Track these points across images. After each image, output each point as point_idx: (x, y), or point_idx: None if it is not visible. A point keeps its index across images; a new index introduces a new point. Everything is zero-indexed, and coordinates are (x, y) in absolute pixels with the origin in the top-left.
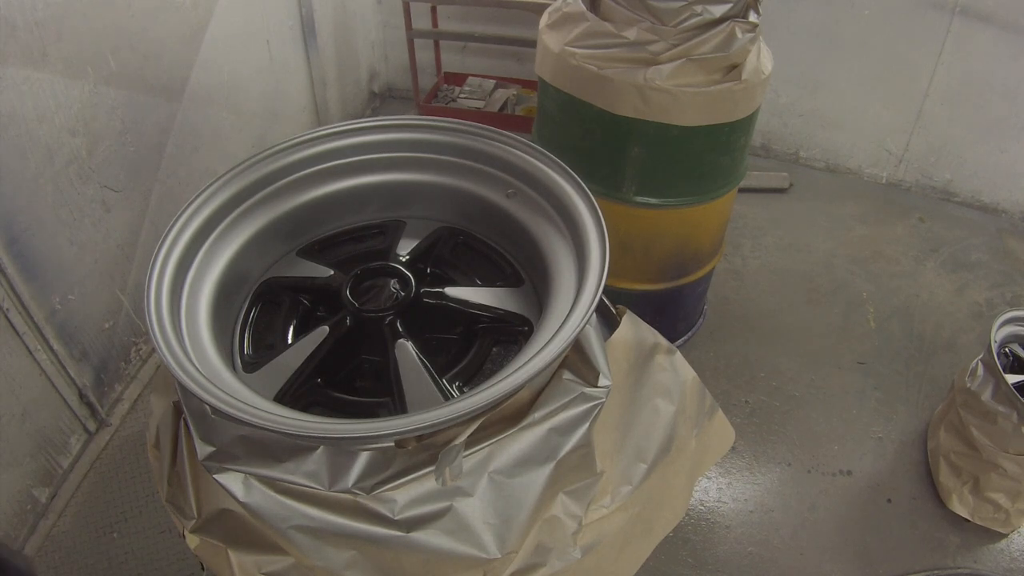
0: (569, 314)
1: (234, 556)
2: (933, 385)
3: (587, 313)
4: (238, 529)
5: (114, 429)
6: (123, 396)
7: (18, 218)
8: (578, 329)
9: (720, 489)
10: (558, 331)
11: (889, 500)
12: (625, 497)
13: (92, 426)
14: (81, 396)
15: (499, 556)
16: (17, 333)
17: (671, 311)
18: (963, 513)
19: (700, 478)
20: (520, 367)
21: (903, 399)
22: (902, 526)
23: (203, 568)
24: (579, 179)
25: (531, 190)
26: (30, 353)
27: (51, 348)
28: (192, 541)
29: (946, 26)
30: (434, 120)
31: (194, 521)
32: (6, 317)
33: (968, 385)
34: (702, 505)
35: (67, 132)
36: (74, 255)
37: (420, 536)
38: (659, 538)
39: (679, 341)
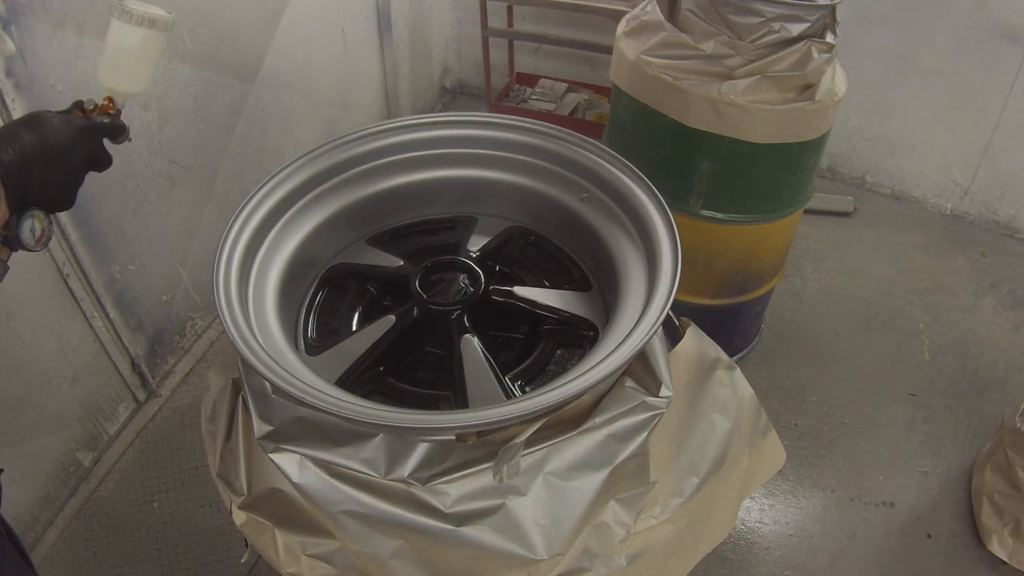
0: (638, 323)
1: (280, 535)
2: (983, 422)
3: (656, 323)
4: (287, 509)
5: (163, 400)
6: (175, 369)
7: (83, 186)
8: (646, 339)
9: (762, 510)
10: (626, 339)
11: (929, 535)
12: (675, 509)
13: (142, 396)
14: (133, 365)
15: (546, 557)
16: (75, 299)
17: (729, 327)
18: (1001, 555)
19: (747, 497)
20: (585, 371)
21: (951, 434)
22: (939, 563)
23: (247, 545)
24: (654, 187)
25: (605, 196)
26: (86, 319)
27: (108, 316)
28: (239, 517)
29: (1019, 60)
30: (510, 119)
31: (244, 498)
32: (65, 282)
33: (1018, 425)
34: (743, 524)
35: (139, 105)
36: (137, 226)
37: (469, 531)
38: (703, 554)
39: (734, 358)
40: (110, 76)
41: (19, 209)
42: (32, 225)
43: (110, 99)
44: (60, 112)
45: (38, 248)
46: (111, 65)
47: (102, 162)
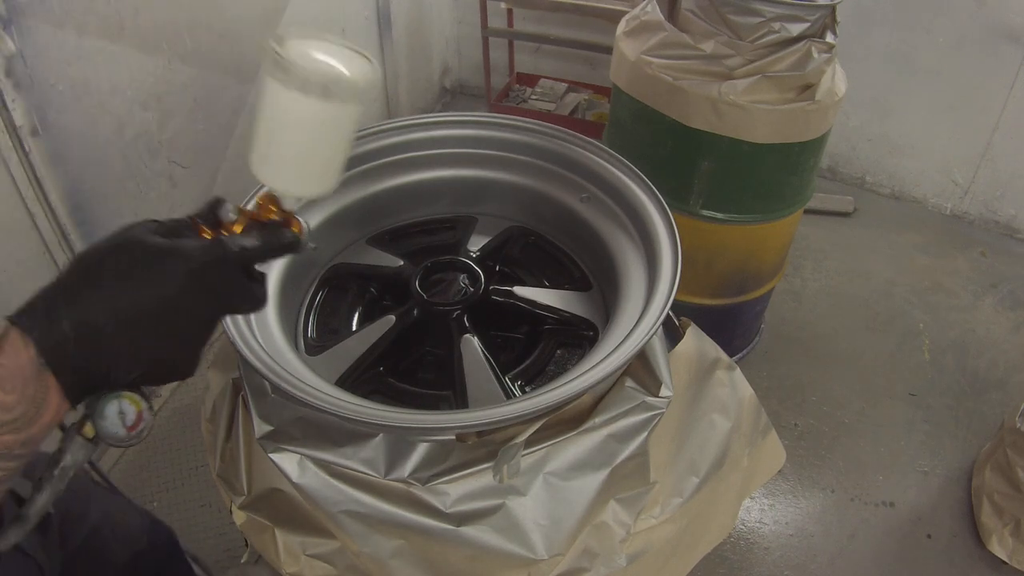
0: (637, 323)
1: (280, 535)
2: (983, 422)
3: (656, 323)
4: (287, 509)
5: (163, 400)
6: None
7: (84, 186)
8: (646, 339)
9: (762, 510)
10: (626, 339)
11: (929, 535)
12: (675, 509)
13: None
14: None
15: (546, 557)
16: None
17: (729, 327)
18: (1001, 555)
19: (747, 497)
20: (586, 371)
21: (951, 434)
22: (939, 563)
23: (247, 545)
24: (654, 188)
25: (605, 196)
26: None
27: None
28: (239, 517)
29: (1019, 60)
30: (510, 119)
31: (243, 497)
32: None
33: (1018, 425)
34: (743, 525)
35: (139, 106)
36: None
37: (469, 531)
38: (702, 554)
39: (734, 358)
40: (263, 166)
41: (95, 390)
42: (120, 408)
43: (270, 200)
44: (165, 232)
45: (134, 439)
46: (266, 152)
47: (246, 305)
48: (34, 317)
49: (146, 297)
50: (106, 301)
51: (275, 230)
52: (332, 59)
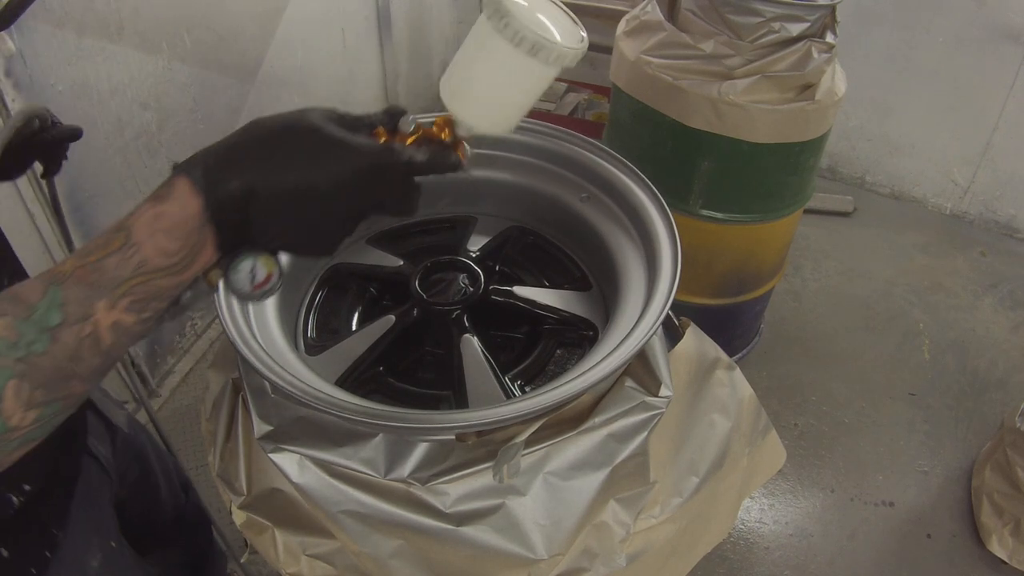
0: (637, 322)
1: (280, 535)
2: (983, 422)
3: (656, 323)
4: (287, 509)
5: (163, 400)
6: (175, 369)
7: (84, 186)
8: (646, 338)
9: (762, 510)
10: (625, 338)
11: (929, 535)
12: (675, 509)
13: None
14: (133, 365)
15: (546, 557)
16: None
17: (728, 327)
18: (1002, 555)
19: (747, 497)
20: (585, 371)
21: (951, 434)
22: (939, 563)
23: (247, 545)
24: (654, 188)
25: (605, 195)
26: None
27: None
28: (239, 517)
29: (1019, 60)
30: None
31: (243, 497)
32: None
33: (1018, 425)
34: (743, 524)
35: (139, 105)
36: None
37: (469, 531)
38: (702, 553)
39: (734, 358)
40: (452, 92)
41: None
42: (254, 266)
43: (446, 123)
44: (343, 125)
45: (256, 295)
46: (462, 85)
47: (400, 210)
48: (205, 172)
49: (309, 182)
50: (272, 175)
51: (444, 150)
52: (550, 20)
